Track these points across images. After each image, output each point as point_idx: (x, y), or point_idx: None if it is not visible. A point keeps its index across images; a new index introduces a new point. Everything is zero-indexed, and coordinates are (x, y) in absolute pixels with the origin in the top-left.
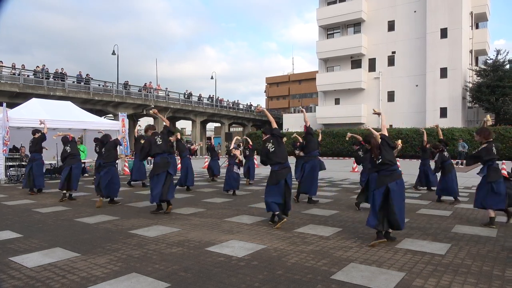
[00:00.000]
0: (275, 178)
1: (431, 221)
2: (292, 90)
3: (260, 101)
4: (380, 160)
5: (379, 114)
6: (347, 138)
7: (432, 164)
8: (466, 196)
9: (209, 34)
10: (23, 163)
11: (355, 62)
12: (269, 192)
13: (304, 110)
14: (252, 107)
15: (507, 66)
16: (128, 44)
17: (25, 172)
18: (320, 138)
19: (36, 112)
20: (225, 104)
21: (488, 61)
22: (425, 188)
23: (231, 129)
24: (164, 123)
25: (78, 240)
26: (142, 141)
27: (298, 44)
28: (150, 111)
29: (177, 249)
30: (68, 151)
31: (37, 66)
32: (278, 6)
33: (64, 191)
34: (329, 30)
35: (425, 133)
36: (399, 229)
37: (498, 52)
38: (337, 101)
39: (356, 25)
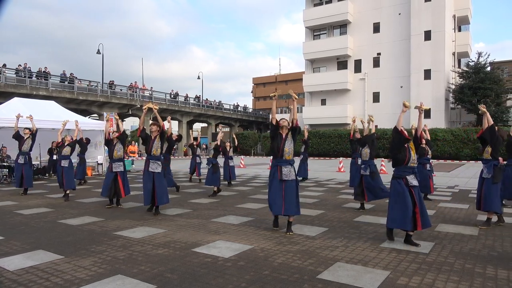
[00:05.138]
0: None
1: None
2: (279, 90)
3: (247, 101)
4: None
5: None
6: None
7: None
8: (449, 195)
9: (196, 34)
10: (4, 163)
11: (341, 63)
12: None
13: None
14: (239, 107)
15: (488, 69)
16: (114, 43)
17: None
18: (306, 135)
19: (17, 112)
20: (212, 104)
21: (470, 63)
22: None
23: (218, 129)
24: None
25: (61, 242)
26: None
27: (286, 45)
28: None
29: (163, 250)
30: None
31: (19, 65)
32: (265, 7)
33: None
34: (315, 31)
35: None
36: None
37: (479, 54)
38: (323, 102)
39: (342, 26)
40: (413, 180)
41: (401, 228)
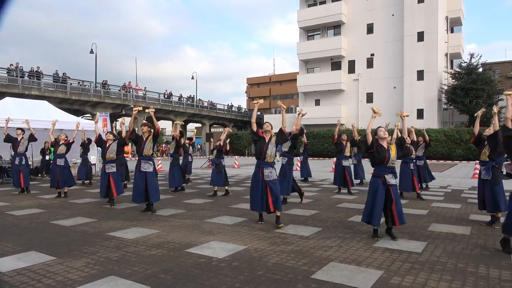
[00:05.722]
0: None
1: (408, 220)
2: (273, 91)
3: (241, 101)
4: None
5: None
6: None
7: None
8: (442, 195)
9: (189, 34)
10: None
11: (335, 64)
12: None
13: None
14: (233, 108)
15: (480, 70)
16: (107, 42)
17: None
18: (304, 139)
19: (9, 112)
20: (205, 105)
21: (462, 64)
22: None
23: (212, 130)
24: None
25: (54, 243)
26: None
27: (280, 45)
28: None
29: (156, 251)
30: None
31: (11, 64)
32: (259, 7)
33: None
34: (309, 32)
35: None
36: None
37: (471, 55)
38: (317, 102)
39: (336, 27)
40: (391, 179)
41: (367, 222)
